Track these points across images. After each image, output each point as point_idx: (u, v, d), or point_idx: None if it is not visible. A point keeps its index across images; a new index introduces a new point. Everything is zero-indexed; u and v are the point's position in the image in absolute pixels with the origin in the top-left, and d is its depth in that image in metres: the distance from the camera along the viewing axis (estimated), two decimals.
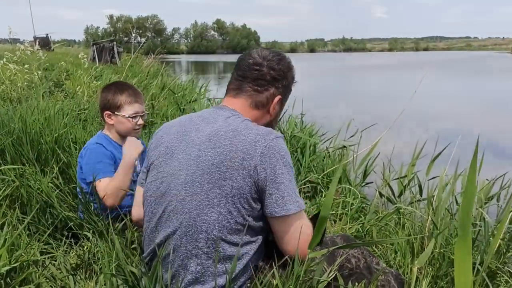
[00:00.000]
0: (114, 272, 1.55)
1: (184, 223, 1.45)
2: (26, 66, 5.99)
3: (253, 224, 1.45)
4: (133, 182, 2.44)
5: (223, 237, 1.42)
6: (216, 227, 1.42)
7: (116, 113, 2.35)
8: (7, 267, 1.44)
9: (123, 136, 2.42)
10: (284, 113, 5.00)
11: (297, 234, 1.42)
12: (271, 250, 1.52)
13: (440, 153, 3.23)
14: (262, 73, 1.59)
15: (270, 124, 1.66)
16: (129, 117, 2.35)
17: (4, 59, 5.87)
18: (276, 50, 1.68)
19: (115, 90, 2.37)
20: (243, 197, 1.41)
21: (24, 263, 1.63)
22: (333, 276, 1.46)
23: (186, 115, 1.67)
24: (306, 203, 2.75)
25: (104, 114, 2.38)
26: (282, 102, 1.67)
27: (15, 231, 1.72)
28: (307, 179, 3.43)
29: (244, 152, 1.40)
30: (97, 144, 2.29)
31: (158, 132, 1.66)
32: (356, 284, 1.51)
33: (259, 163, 1.39)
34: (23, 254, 1.66)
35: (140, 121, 2.40)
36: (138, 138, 2.57)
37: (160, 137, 1.63)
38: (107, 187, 2.17)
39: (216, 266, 1.44)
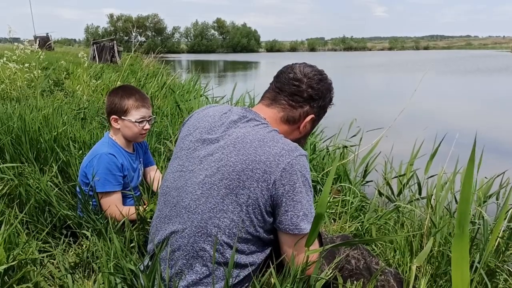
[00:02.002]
0: (112, 270, 1.55)
1: (195, 223, 1.44)
2: (26, 65, 5.99)
3: (263, 236, 1.45)
4: (136, 187, 2.45)
5: (231, 244, 1.42)
6: (226, 233, 1.41)
7: (122, 117, 2.33)
8: (5, 266, 1.44)
9: (129, 141, 2.42)
10: None
11: (303, 252, 1.42)
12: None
13: (436, 151, 3.23)
14: (300, 89, 1.57)
15: (299, 141, 1.63)
16: (136, 121, 2.33)
17: (4, 58, 5.86)
18: (319, 69, 1.65)
19: (122, 94, 2.35)
20: (258, 209, 1.40)
21: (22, 262, 1.63)
22: (333, 276, 1.46)
23: (218, 109, 1.62)
24: None
25: (111, 118, 2.36)
26: (314, 122, 1.65)
27: (13, 229, 1.72)
28: None
29: (266, 165, 1.38)
30: (110, 155, 2.26)
31: (190, 120, 1.64)
32: (355, 282, 1.51)
33: (279, 178, 1.37)
34: (21, 252, 1.66)
35: (147, 126, 2.38)
36: (143, 142, 2.57)
37: (189, 128, 1.61)
38: (115, 210, 2.19)
39: (221, 271, 1.44)
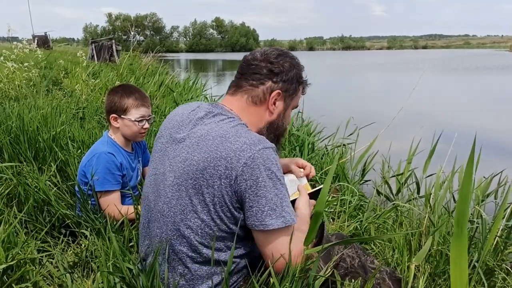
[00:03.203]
0: (111, 270, 1.55)
1: (169, 226, 1.44)
2: (25, 64, 5.98)
3: (238, 232, 1.41)
4: (135, 187, 2.45)
5: (206, 243, 1.40)
6: (199, 233, 1.40)
7: (122, 116, 2.33)
8: (4, 265, 1.43)
9: (128, 140, 2.42)
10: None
11: (278, 250, 1.37)
12: None
13: (434, 150, 3.23)
14: (258, 66, 1.53)
15: (274, 123, 1.58)
16: (135, 120, 2.33)
17: (2, 57, 5.86)
18: (282, 49, 1.61)
19: (122, 93, 2.35)
20: (225, 206, 1.37)
21: (21, 261, 1.63)
22: (329, 274, 1.46)
23: (187, 106, 1.61)
24: None
25: (110, 117, 2.36)
26: (285, 100, 1.58)
27: (12, 229, 1.72)
28: None
29: (227, 161, 1.34)
30: (110, 154, 2.26)
31: (163, 123, 1.63)
32: (353, 281, 1.51)
33: (241, 174, 1.33)
34: (20, 252, 1.65)
35: (146, 125, 2.38)
36: (142, 141, 2.57)
37: (161, 129, 1.61)
38: (113, 209, 2.19)
39: (204, 270, 1.44)
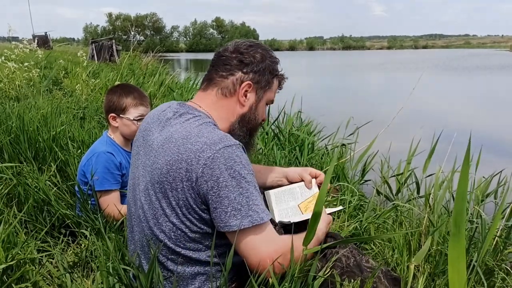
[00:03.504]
0: (110, 270, 1.55)
1: (145, 231, 1.44)
2: (26, 64, 5.98)
3: (211, 231, 1.38)
4: None
5: (182, 245, 1.39)
6: (173, 237, 1.38)
7: (121, 115, 2.33)
8: (4, 265, 1.44)
9: (127, 139, 2.42)
10: (283, 111, 5.01)
11: (250, 251, 1.32)
12: None
13: (433, 149, 3.23)
14: (228, 57, 1.50)
15: (246, 116, 1.53)
16: (134, 119, 2.33)
17: (3, 57, 5.86)
18: (255, 40, 1.57)
19: (120, 92, 2.36)
20: (191, 209, 1.34)
21: (21, 261, 1.63)
22: (328, 274, 1.46)
23: (158, 108, 1.57)
24: None
25: (109, 116, 2.36)
26: (257, 92, 1.53)
27: (12, 229, 1.72)
28: None
29: (187, 163, 1.31)
30: (108, 154, 2.26)
31: (140, 125, 1.61)
32: (352, 281, 1.51)
33: (201, 175, 1.29)
34: (19, 252, 1.66)
35: None
36: None
37: (137, 133, 1.59)
38: (113, 209, 2.19)
39: (187, 272, 1.43)
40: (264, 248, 1.32)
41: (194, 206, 1.33)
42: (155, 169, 1.37)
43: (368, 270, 1.56)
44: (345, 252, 1.55)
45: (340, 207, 1.79)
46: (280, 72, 1.60)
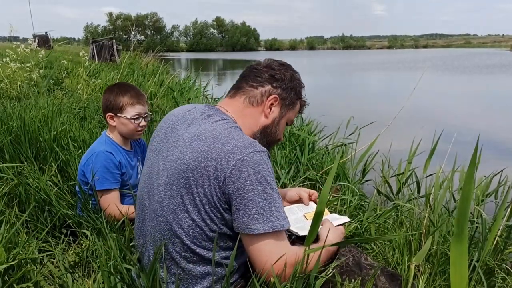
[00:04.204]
0: (112, 270, 1.55)
1: (162, 225, 1.45)
2: (28, 64, 5.99)
3: (229, 233, 1.42)
4: (136, 185, 2.45)
5: (198, 243, 1.41)
6: (191, 234, 1.40)
7: (118, 114, 2.34)
8: (5, 265, 1.44)
9: (125, 138, 2.42)
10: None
11: (263, 256, 1.35)
12: None
13: (434, 149, 3.23)
14: (260, 71, 1.58)
15: (268, 129, 1.59)
16: (131, 118, 2.34)
17: (7, 58, 5.87)
18: (287, 63, 1.65)
19: (117, 91, 2.36)
20: (214, 207, 1.37)
21: (22, 261, 1.63)
22: (330, 274, 1.46)
23: (182, 107, 1.63)
24: None
25: (107, 116, 2.37)
26: (281, 108, 1.60)
27: (13, 229, 1.72)
28: (305, 176, 3.44)
29: (217, 162, 1.34)
30: (108, 153, 2.27)
31: (159, 123, 1.64)
32: (353, 280, 1.52)
33: (229, 176, 1.33)
34: (21, 252, 1.66)
35: (143, 123, 2.38)
36: (140, 139, 2.58)
37: (157, 129, 1.62)
38: (113, 208, 2.19)
39: (198, 270, 1.44)
40: (275, 256, 1.35)
41: (218, 204, 1.36)
42: (181, 164, 1.40)
43: (368, 267, 1.58)
44: (343, 251, 1.57)
45: (347, 219, 1.80)
46: (304, 97, 1.68)
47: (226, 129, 1.43)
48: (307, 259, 1.40)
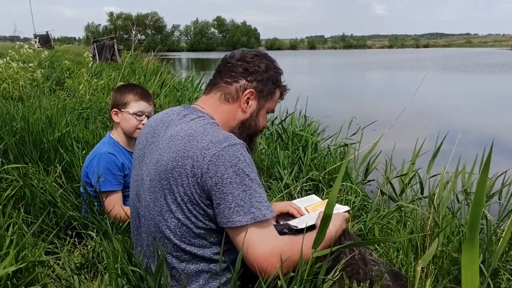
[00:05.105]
0: (119, 271, 1.56)
1: (151, 228, 1.46)
2: (31, 64, 6.00)
3: (216, 228, 1.41)
4: None
5: (187, 241, 1.41)
6: (178, 233, 1.41)
7: (122, 109, 2.36)
8: (14, 268, 1.44)
9: (129, 138, 2.42)
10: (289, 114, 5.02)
11: (250, 247, 1.33)
12: None
13: (438, 150, 3.22)
14: (234, 65, 1.57)
15: (246, 123, 1.59)
16: (133, 113, 2.35)
17: (8, 57, 5.87)
18: (261, 51, 1.64)
19: (124, 89, 2.41)
20: (196, 204, 1.37)
21: (29, 264, 1.63)
22: (337, 277, 1.47)
23: (161, 112, 1.64)
24: None
25: (112, 112, 2.40)
26: (259, 100, 1.59)
27: (20, 231, 1.72)
28: (308, 176, 3.44)
29: (193, 159, 1.35)
30: (110, 154, 2.27)
31: (141, 131, 1.66)
32: (359, 273, 1.53)
33: (206, 171, 1.33)
34: (29, 254, 1.66)
35: (146, 121, 2.38)
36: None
37: (139, 137, 1.64)
38: (116, 210, 2.20)
39: (191, 269, 1.45)
40: (261, 246, 1.33)
41: (199, 201, 1.37)
42: (160, 166, 1.41)
43: (372, 263, 1.59)
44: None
45: (347, 207, 1.80)
46: (283, 83, 1.66)
47: (201, 126, 1.44)
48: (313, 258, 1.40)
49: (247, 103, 1.57)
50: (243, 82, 1.55)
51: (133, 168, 1.61)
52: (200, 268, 1.45)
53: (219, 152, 1.34)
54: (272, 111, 1.69)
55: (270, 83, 1.59)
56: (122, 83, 2.67)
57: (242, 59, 1.57)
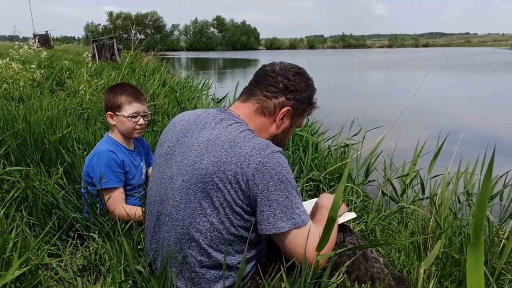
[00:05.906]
0: (122, 273, 1.56)
1: (178, 229, 1.46)
2: (33, 66, 5.99)
3: (246, 236, 1.44)
4: (139, 186, 2.45)
5: (215, 246, 1.42)
6: (208, 237, 1.42)
7: (116, 113, 2.36)
8: (18, 271, 1.44)
9: (128, 137, 2.43)
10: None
11: (298, 249, 1.40)
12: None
13: (439, 151, 3.23)
14: (275, 79, 1.57)
15: (277, 138, 1.61)
16: (128, 116, 2.35)
17: (8, 58, 5.87)
18: (299, 67, 1.64)
19: (115, 90, 2.39)
20: (235, 210, 1.39)
21: (33, 267, 1.63)
22: (340, 280, 1.48)
23: (193, 112, 1.64)
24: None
25: (107, 115, 2.39)
26: (292, 118, 1.62)
27: (23, 234, 1.72)
28: (309, 176, 3.44)
29: (237, 166, 1.36)
30: (110, 152, 2.28)
31: (168, 126, 1.66)
32: (360, 268, 1.54)
33: (252, 179, 1.36)
34: (32, 257, 1.66)
35: (141, 121, 2.39)
36: (142, 139, 2.59)
37: (165, 134, 1.63)
38: (117, 207, 2.20)
39: (211, 274, 1.45)
40: (303, 250, 1.40)
41: (239, 207, 1.39)
42: (198, 169, 1.41)
43: (373, 260, 1.60)
44: (351, 239, 1.60)
45: (353, 214, 1.81)
46: (314, 101, 1.69)
47: (240, 132, 1.45)
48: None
49: (282, 120, 1.59)
50: (282, 99, 1.57)
51: (158, 165, 1.60)
52: (220, 275, 1.45)
53: (263, 159, 1.37)
54: (299, 126, 1.73)
55: (305, 102, 1.62)
56: (113, 84, 2.66)
57: (284, 75, 1.58)
